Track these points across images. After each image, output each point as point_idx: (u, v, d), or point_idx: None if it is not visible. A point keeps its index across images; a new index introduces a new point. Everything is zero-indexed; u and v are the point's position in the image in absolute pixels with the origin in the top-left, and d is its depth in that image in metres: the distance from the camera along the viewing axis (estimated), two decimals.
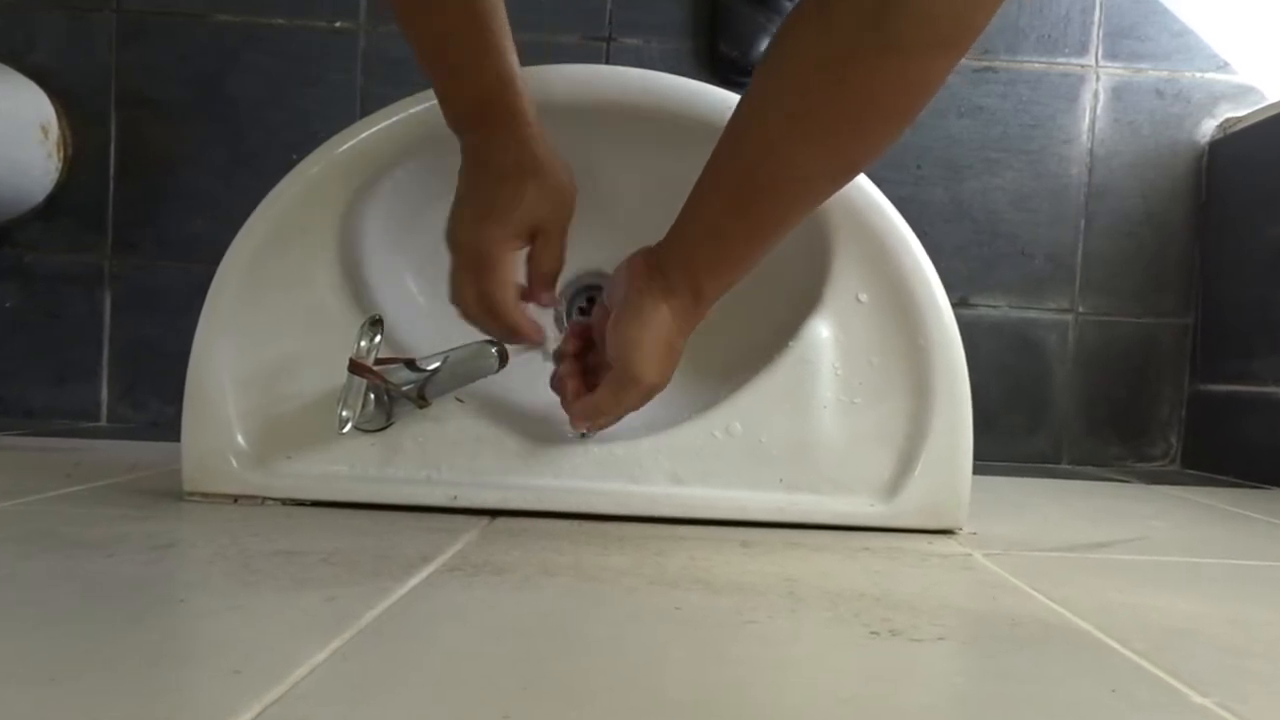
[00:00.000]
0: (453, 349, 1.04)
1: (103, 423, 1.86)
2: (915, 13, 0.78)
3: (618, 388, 0.99)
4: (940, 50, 0.82)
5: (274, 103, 1.85)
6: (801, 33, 0.85)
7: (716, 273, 0.97)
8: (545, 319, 1.16)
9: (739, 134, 0.92)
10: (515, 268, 1.02)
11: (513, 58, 1.00)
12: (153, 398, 1.86)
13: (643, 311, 0.97)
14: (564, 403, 1.05)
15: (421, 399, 1.05)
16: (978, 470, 1.10)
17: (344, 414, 1.00)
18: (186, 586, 0.77)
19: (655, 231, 0.97)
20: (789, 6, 1.79)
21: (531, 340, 1.05)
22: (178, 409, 1.09)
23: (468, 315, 1.03)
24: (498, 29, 0.99)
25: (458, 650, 0.63)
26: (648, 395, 1.00)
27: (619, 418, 1.04)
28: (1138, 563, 1.00)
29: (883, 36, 0.80)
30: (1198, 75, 1.89)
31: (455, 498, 1.06)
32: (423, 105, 1.10)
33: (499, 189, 1.01)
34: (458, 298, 1.02)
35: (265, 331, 1.10)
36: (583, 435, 1.11)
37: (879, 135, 0.89)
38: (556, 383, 1.06)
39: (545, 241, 1.03)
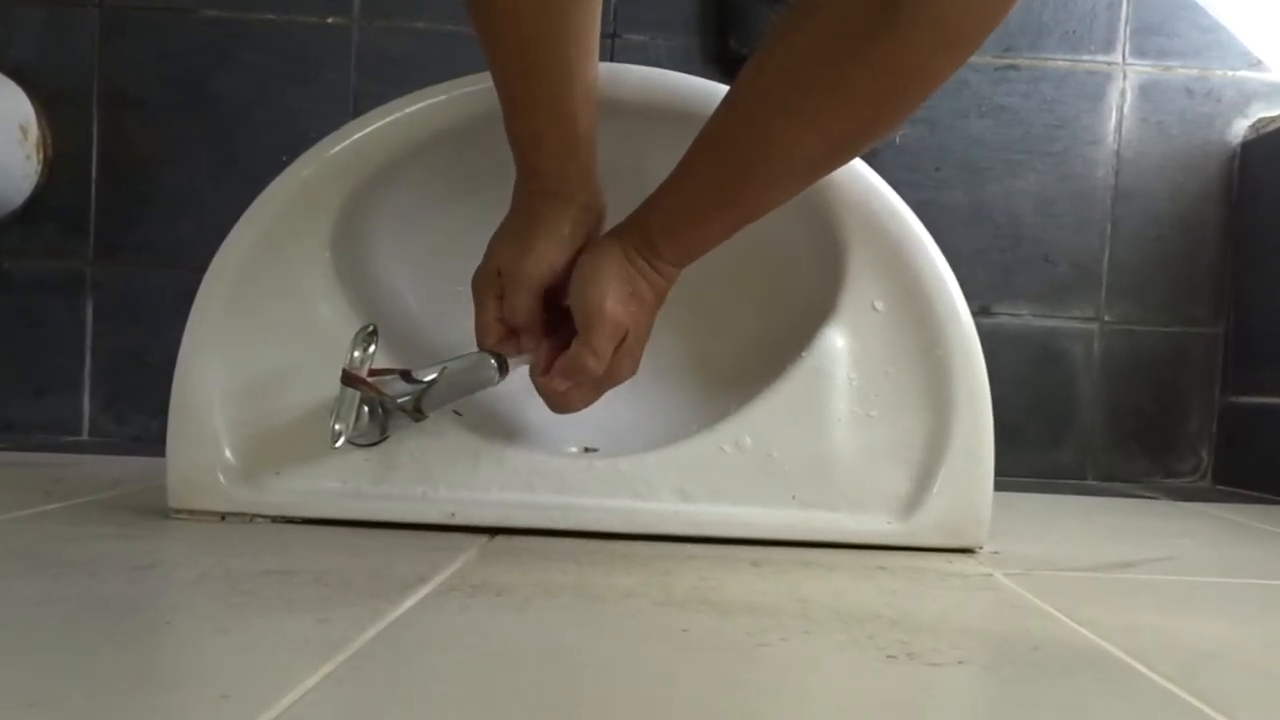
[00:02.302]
0: (450, 359, 1.04)
1: (84, 437, 1.86)
2: (923, 10, 0.79)
3: (586, 332, 1.01)
4: (946, 49, 0.83)
5: (264, 102, 1.85)
6: (804, 23, 0.86)
7: (691, 232, 1.00)
8: None
9: (731, 115, 0.94)
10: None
11: (591, 133, 1.03)
12: (137, 411, 1.86)
13: (599, 251, 1.01)
14: (538, 377, 1.06)
15: (418, 412, 1.05)
16: (999, 486, 1.10)
17: (336, 427, 1.00)
18: (172, 608, 0.77)
19: None
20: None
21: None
22: (163, 422, 1.09)
23: (486, 333, 1.07)
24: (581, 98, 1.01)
25: (455, 675, 0.63)
26: (615, 334, 1.02)
27: (598, 385, 1.06)
28: (1166, 583, 1.00)
29: (889, 32, 0.81)
30: (1229, 73, 1.89)
31: (453, 515, 1.06)
32: (420, 104, 1.11)
33: (541, 213, 1.03)
34: (480, 314, 1.06)
35: (254, 341, 1.10)
36: (586, 450, 1.11)
37: (876, 127, 0.93)
38: (533, 372, 1.06)
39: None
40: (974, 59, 1.81)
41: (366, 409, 1.04)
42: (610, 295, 0.99)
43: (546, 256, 1.02)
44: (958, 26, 0.81)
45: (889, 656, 0.69)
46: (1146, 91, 1.89)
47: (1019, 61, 1.88)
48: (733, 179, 0.95)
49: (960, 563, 1.04)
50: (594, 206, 1.05)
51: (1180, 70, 1.89)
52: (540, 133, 1.01)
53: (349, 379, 1.00)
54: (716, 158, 0.95)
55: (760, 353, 1.15)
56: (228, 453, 1.08)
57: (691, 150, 0.97)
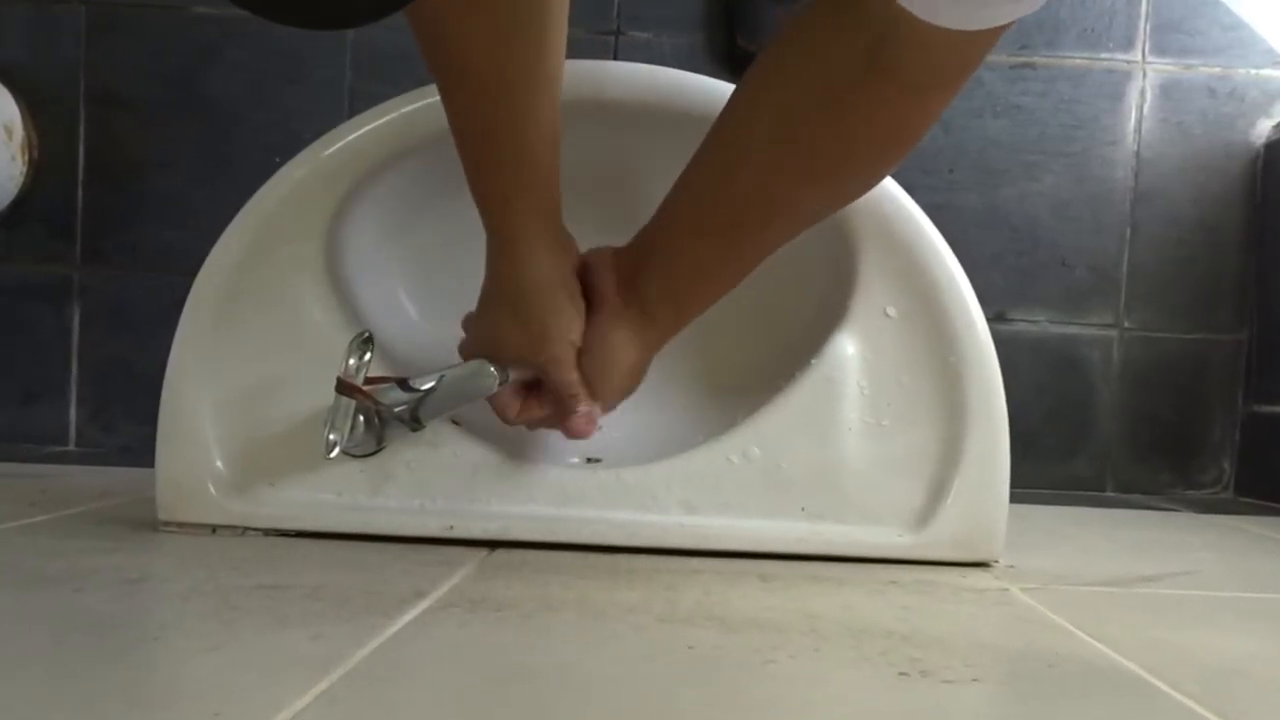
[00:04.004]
0: (448, 367, 1.04)
1: (71, 447, 1.86)
2: (911, 49, 0.80)
3: (601, 402, 1.06)
4: (937, 89, 0.84)
5: (256, 102, 1.85)
6: (790, 63, 0.88)
7: (692, 301, 1.03)
8: None
9: (719, 161, 0.97)
10: None
11: (553, 180, 1.02)
12: (125, 420, 1.86)
13: (606, 335, 1.03)
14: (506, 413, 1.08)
15: (415, 421, 1.05)
16: (1015, 498, 1.10)
17: (331, 437, 1.00)
18: (161, 624, 0.77)
19: None
20: None
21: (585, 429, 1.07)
22: (152, 432, 1.09)
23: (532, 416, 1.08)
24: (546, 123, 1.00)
25: (453, 693, 0.63)
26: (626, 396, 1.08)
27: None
28: (1187, 598, 1.00)
29: (879, 73, 0.83)
30: (1252, 72, 1.89)
31: (451, 528, 1.06)
32: (416, 104, 1.11)
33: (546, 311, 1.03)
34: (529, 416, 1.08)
35: (246, 349, 1.10)
36: (589, 461, 1.11)
37: (871, 170, 0.96)
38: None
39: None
40: (990, 57, 1.82)
41: (362, 418, 1.04)
42: (628, 378, 1.05)
43: (567, 334, 1.03)
44: (947, 63, 0.82)
45: (901, 674, 0.69)
46: (1167, 91, 1.89)
47: (1035, 60, 1.88)
48: (733, 243, 0.98)
49: (974, 577, 1.04)
50: (569, 249, 1.05)
51: (1202, 69, 1.89)
52: (507, 195, 1.01)
53: (344, 387, 1.00)
54: (715, 224, 0.97)
55: (769, 360, 1.15)
56: (219, 463, 1.09)
57: (685, 210, 0.99)
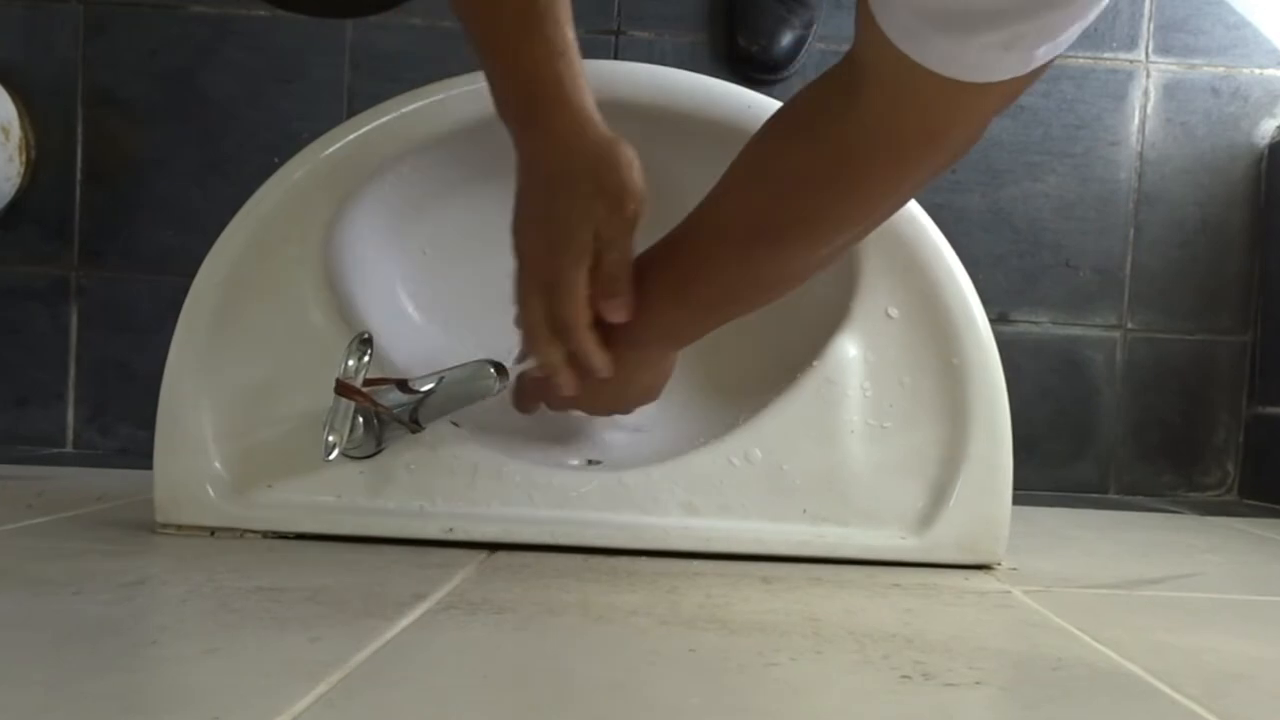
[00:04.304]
0: (448, 369, 1.04)
1: (68, 449, 1.86)
2: (882, 85, 0.79)
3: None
4: (894, 145, 0.84)
5: (254, 101, 1.85)
6: (799, 132, 0.88)
7: (689, 335, 1.08)
8: None
9: (721, 229, 0.96)
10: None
11: (568, 33, 0.99)
12: (122, 422, 1.86)
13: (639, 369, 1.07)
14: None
15: (414, 423, 1.05)
16: (1018, 500, 1.10)
17: (330, 439, 1.00)
18: (159, 627, 0.77)
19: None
20: None
21: (601, 372, 1.04)
22: (149, 434, 1.09)
23: (535, 337, 1.03)
24: (557, 7, 0.98)
25: (453, 696, 0.63)
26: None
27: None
28: (1192, 601, 1.00)
29: (848, 112, 0.82)
30: (1256, 71, 1.89)
31: (451, 530, 1.06)
32: (416, 104, 1.11)
33: (554, 202, 0.99)
34: (526, 318, 1.03)
35: (244, 350, 1.10)
36: (590, 463, 1.11)
37: (866, 227, 0.95)
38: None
39: (608, 247, 1.00)
40: None
41: (361, 420, 1.04)
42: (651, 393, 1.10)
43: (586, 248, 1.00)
44: (911, 125, 0.81)
45: (903, 677, 0.69)
46: (1171, 90, 1.89)
47: None
48: (698, 266, 0.98)
49: (977, 579, 1.04)
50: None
51: (1206, 68, 1.89)
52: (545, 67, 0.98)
53: (343, 389, 1.00)
54: (681, 243, 0.99)
55: (770, 362, 1.15)
56: (217, 465, 1.09)
57: (680, 264, 0.99)
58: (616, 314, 1.00)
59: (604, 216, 0.98)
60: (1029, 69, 0.73)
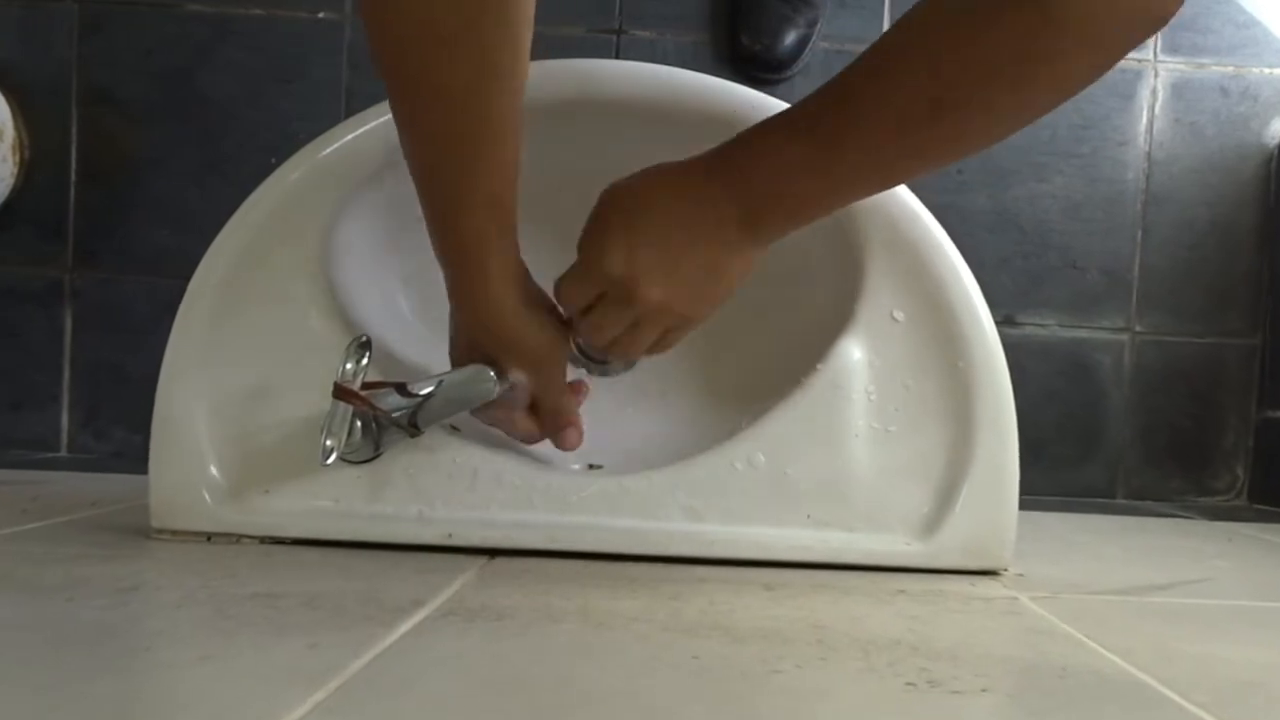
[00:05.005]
0: (447, 373, 1.04)
1: (62, 453, 1.86)
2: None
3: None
4: (1086, 36, 0.81)
5: (251, 101, 1.85)
6: (973, 28, 0.85)
7: (813, 213, 0.97)
8: None
9: (858, 77, 0.90)
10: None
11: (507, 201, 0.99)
12: (118, 425, 1.86)
13: (698, 239, 0.97)
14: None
15: (413, 427, 1.05)
16: (1025, 505, 1.10)
17: (328, 444, 1.00)
18: (154, 633, 0.77)
19: None
20: None
21: (575, 442, 1.10)
22: (145, 438, 1.09)
23: (523, 431, 1.09)
24: (507, 161, 0.97)
25: (453, 704, 0.63)
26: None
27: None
28: (1201, 607, 1.00)
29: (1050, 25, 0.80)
30: (1266, 70, 1.89)
31: (450, 536, 1.06)
32: None
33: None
34: (511, 423, 1.08)
35: (241, 353, 1.10)
36: (591, 467, 1.11)
37: (994, 104, 0.88)
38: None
39: (542, 393, 1.07)
40: None
41: (359, 424, 1.04)
42: (722, 279, 0.99)
43: (555, 359, 1.05)
44: (1106, 14, 0.80)
45: (909, 684, 0.69)
46: (1179, 90, 1.89)
47: None
48: (848, 131, 0.91)
49: (983, 585, 1.04)
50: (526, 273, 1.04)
51: (1214, 67, 1.89)
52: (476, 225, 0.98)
53: (341, 393, 1.00)
54: (830, 109, 0.91)
55: (774, 365, 1.15)
56: (213, 470, 1.08)
57: (793, 109, 0.94)
58: (570, 444, 1.09)
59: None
60: None
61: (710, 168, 0.95)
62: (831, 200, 0.96)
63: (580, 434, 1.08)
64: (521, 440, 1.10)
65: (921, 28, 0.87)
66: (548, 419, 1.07)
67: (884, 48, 0.89)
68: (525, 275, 1.02)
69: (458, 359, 1.06)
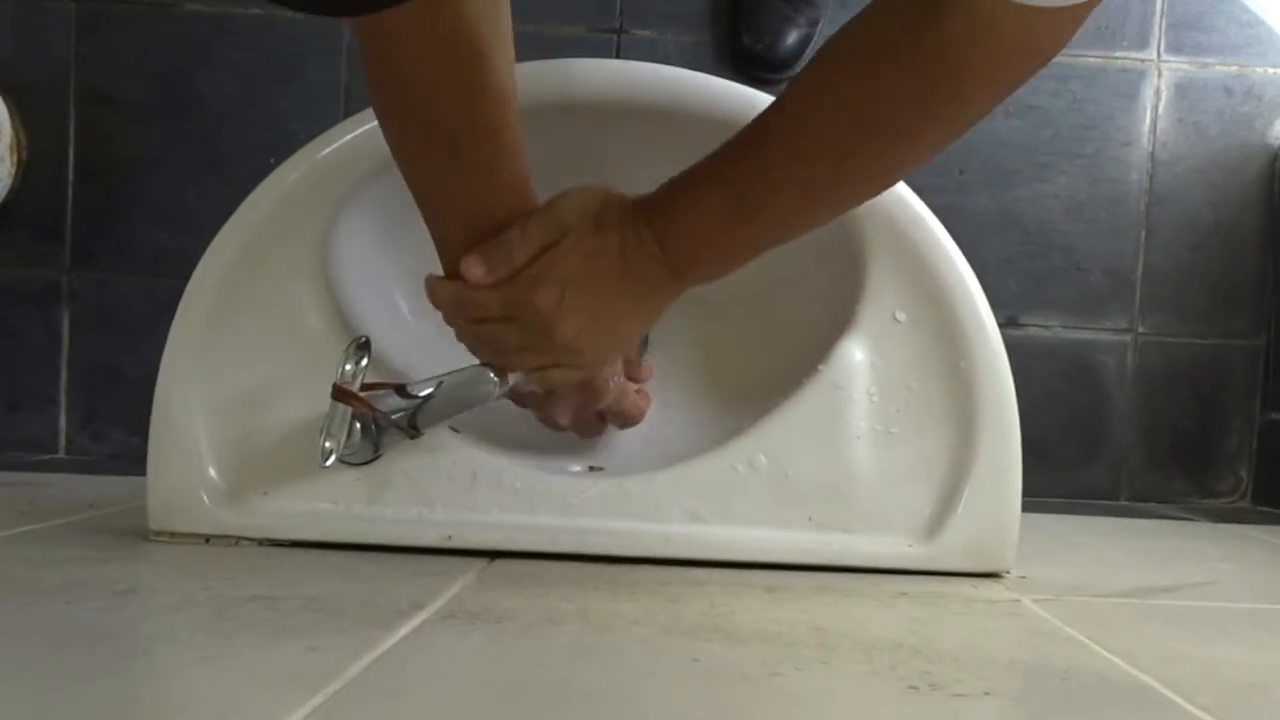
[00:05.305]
0: (447, 374, 1.04)
1: (60, 455, 1.86)
2: (973, 8, 0.79)
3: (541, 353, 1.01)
4: (989, 57, 0.83)
5: (249, 101, 1.85)
6: (856, 23, 0.86)
7: (711, 259, 0.98)
8: None
9: (772, 124, 0.92)
10: None
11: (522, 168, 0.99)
12: (115, 427, 1.86)
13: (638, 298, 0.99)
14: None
15: (412, 429, 1.05)
16: (1027, 507, 1.10)
17: (327, 445, 1.00)
18: (152, 636, 0.77)
19: None
20: None
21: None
22: (143, 440, 1.09)
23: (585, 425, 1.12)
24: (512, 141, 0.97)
25: (452, 707, 0.63)
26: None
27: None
28: (1205, 610, 1.00)
29: (935, 24, 0.80)
30: (1270, 70, 1.89)
31: (450, 538, 1.06)
32: None
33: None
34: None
35: (240, 354, 1.10)
36: (591, 469, 1.11)
37: (909, 136, 0.90)
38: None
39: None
40: None
41: (359, 426, 1.04)
42: (626, 322, 1.01)
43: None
44: (1003, 53, 0.81)
45: (911, 687, 0.69)
46: (1183, 90, 1.89)
47: None
48: (764, 182, 0.93)
49: (986, 588, 1.04)
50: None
51: (1218, 67, 1.89)
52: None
53: (340, 394, 1.00)
54: (746, 158, 0.93)
55: (775, 366, 1.15)
56: (212, 472, 1.08)
57: (722, 165, 0.94)
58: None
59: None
60: None
61: (643, 217, 0.96)
62: (760, 244, 0.98)
63: (645, 397, 1.11)
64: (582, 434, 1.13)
65: (827, 72, 0.90)
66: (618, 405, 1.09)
67: (794, 94, 0.92)
68: None
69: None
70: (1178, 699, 0.69)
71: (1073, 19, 0.80)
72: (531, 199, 0.98)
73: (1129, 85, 1.88)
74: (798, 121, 0.91)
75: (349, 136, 1.11)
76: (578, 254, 0.95)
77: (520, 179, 0.97)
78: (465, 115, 0.92)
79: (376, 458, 1.08)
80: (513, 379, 1.03)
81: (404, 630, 0.77)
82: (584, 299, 0.96)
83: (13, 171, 1.83)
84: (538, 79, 1.08)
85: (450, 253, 0.98)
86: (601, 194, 0.98)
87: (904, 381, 1.10)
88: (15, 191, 1.84)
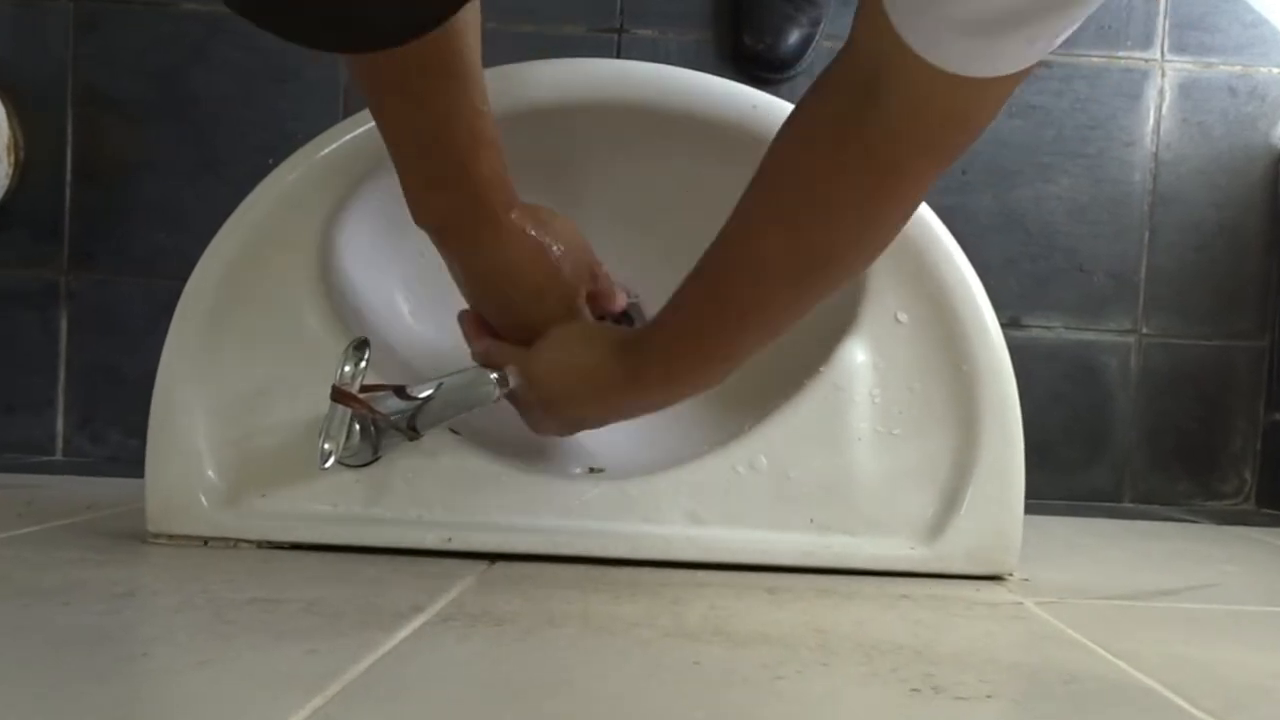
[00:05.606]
0: (447, 375, 1.04)
1: (58, 456, 1.86)
2: (905, 101, 0.80)
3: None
4: (926, 147, 0.84)
5: (247, 101, 1.85)
6: (792, 128, 0.88)
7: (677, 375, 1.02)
8: None
9: (720, 240, 0.95)
10: None
11: (490, 121, 0.99)
12: (113, 429, 1.86)
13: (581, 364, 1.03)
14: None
15: (412, 430, 1.05)
16: (1030, 509, 1.10)
17: (326, 447, 1.00)
18: (150, 639, 0.77)
19: (676, 237, 0.98)
20: None
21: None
22: (141, 441, 1.09)
23: None
24: (477, 97, 0.97)
25: (453, 709, 0.63)
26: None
27: None
28: (1208, 612, 1.00)
29: (872, 121, 0.82)
30: (1274, 70, 1.89)
31: (450, 540, 1.06)
32: None
33: (526, 301, 1.05)
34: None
35: (239, 356, 1.10)
36: (592, 471, 1.11)
37: (858, 238, 0.92)
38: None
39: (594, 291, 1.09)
40: None
41: (358, 427, 1.04)
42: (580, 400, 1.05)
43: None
44: (938, 124, 0.82)
45: (913, 690, 0.69)
46: (1186, 90, 1.89)
47: (1051, 58, 1.87)
48: (721, 309, 0.96)
49: (988, 590, 1.04)
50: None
51: (1222, 67, 1.89)
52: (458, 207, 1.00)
53: (339, 395, 1.00)
54: (705, 287, 0.96)
55: (776, 368, 1.15)
56: (210, 474, 1.08)
57: (685, 282, 0.98)
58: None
59: (573, 275, 1.06)
60: (1050, 50, 0.75)
61: (620, 353, 1.02)
62: (723, 363, 1.01)
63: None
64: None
65: (774, 184, 0.91)
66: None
67: (741, 218, 0.93)
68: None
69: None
70: (1182, 702, 0.69)
71: (1001, 92, 0.82)
72: (490, 133, 0.98)
73: (1132, 85, 1.88)
74: (747, 249, 0.93)
75: (348, 136, 1.11)
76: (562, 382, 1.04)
77: (477, 112, 0.97)
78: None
79: (376, 459, 1.08)
80: (513, 381, 1.04)
81: (404, 633, 0.77)
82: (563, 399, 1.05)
83: (10, 172, 1.82)
84: (550, 78, 1.08)
85: (411, 195, 1.00)
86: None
87: (906, 383, 1.10)
88: (13, 192, 1.83)
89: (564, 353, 1.03)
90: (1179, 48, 1.88)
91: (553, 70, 1.11)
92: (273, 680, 0.65)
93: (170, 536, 1.08)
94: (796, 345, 1.13)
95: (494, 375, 1.03)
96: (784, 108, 1.03)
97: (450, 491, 1.08)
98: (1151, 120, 1.88)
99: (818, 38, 1.80)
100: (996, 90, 0.80)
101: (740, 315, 0.96)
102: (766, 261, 0.91)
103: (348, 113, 1.15)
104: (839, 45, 0.84)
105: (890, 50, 0.76)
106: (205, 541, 1.08)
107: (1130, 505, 1.89)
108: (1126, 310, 1.89)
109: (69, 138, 1.85)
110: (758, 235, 0.91)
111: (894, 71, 0.78)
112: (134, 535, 1.09)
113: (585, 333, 1.04)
